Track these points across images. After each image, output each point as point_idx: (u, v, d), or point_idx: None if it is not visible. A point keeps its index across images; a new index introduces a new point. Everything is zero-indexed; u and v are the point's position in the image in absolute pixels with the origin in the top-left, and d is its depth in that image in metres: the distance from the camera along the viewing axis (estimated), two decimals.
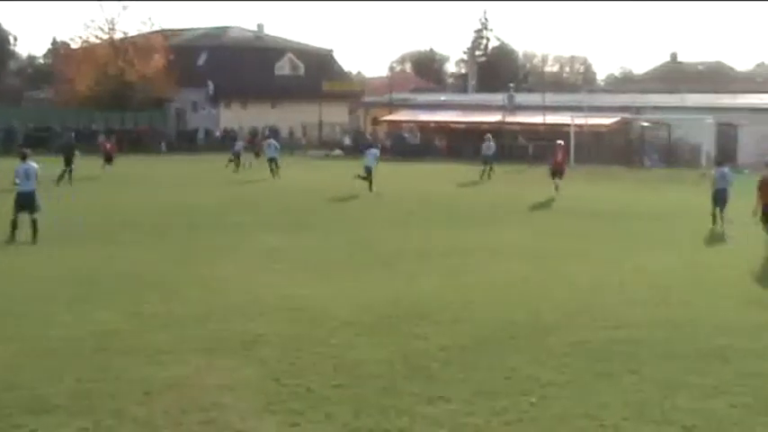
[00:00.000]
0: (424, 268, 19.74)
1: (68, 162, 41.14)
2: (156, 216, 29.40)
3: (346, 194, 36.36)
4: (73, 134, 51.92)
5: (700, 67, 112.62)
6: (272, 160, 46.23)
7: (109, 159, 47.55)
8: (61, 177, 40.26)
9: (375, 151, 40.08)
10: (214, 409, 10.35)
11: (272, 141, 49.18)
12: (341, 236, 25.02)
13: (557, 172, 38.02)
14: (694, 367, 12.08)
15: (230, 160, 51.15)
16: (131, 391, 10.96)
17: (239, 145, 53.41)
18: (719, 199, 26.95)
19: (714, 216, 26.85)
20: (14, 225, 23.09)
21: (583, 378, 11.62)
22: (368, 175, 38.17)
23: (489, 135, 48.80)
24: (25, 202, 23.34)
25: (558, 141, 40.60)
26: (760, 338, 13.66)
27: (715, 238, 25.29)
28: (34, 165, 23.81)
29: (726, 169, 28.11)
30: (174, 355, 12.49)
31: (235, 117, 78.95)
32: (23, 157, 23.88)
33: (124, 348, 12.88)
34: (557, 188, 37.05)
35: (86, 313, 15.03)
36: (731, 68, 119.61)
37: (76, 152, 42.12)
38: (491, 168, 46.39)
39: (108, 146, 49.09)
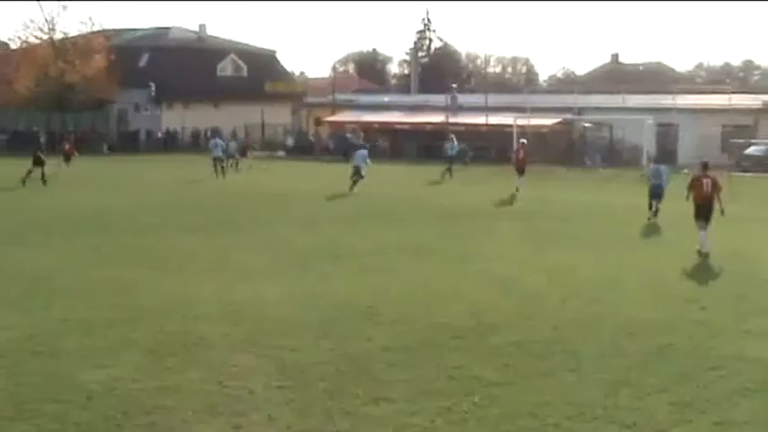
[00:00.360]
0: (343, 268, 19.80)
1: (37, 163, 41.52)
2: (70, 218, 29.13)
3: (277, 193, 36.39)
4: (42, 138, 52.34)
5: (640, 68, 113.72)
6: (217, 160, 46.42)
7: (67, 159, 48.90)
8: (31, 175, 41.04)
9: (364, 152, 40.85)
10: (156, 413, 10.29)
11: (218, 141, 49.27)
12: (256, 236, 24.97)
13: (519, 170, 39.34)
14: (635, 366, 12.20)
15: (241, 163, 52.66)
16: (74, 394, 10.86)
17: (232, 146, 54.77)
18: (655, 193, 29.02)
19: (651, 209, 28.77)
20: None
21: (525, 377, 11.69)
22: (355, 174, 39.10)
23: (453, 135, 49.74)
24: None
25: (522, 140, 42.09)
26: (698, 337, 13.83)
27: (651, 236, 25.63)
28: None
29: (661, 166, 30.69)
30: (115, 358, 12.39)
31: (177, 118, 78.56)
32: None
33: (63, 352, 12.75)
34: (517, 189, 38.09)
35: (27, 315, 14.90)
36: (671, 69, 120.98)
37: (39, 154, 42.40)
38: (449, 169, 47.17)
39: (67, 146, 50.39)
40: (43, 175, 41.15)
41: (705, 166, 22.90)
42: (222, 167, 45.88)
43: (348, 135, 68.61)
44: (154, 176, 45.16)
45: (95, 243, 23.54)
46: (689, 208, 22.70)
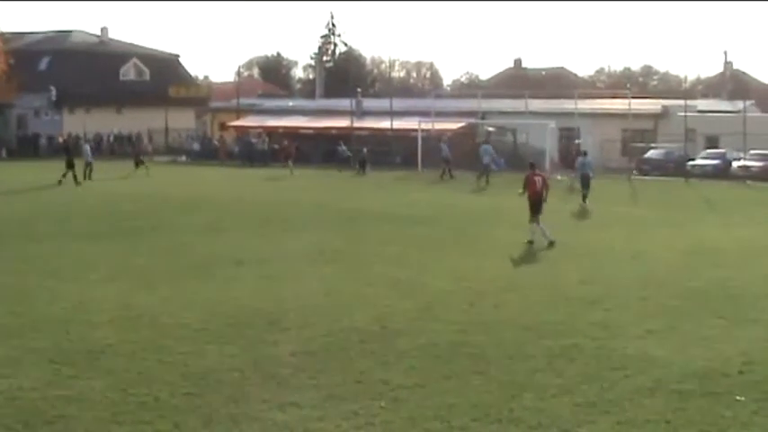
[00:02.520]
0: (246, 274, 19.69)
1: (70, 166, 44.90)
2: None
3: (180, 199, 36.05)
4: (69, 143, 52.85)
5: (543, 73, 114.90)
6: (87, 164, 48.71)
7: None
8: (70, 177, 44.53)
9: (488, 147, 47.50)
10: (59, 422, 10.10)
11: (87, 147, 51.72)
12: (157, 242, 24.70)
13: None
14: (540, 367, 12.33)
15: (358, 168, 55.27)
16: None
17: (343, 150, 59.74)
18: (584, 183, 35.29)
19: (584, 196, 34.85)
20: None
21: (431, 380, 11.73)
22: (485, 173, 45.18)
23: (446, 137, 52.74)
24: None
25: (577, 141, 51.47)
26: (602, 338, 14.01)
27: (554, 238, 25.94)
28: None
29: (588, 158, 37.25)
30: (16, 368, 12.14)
31: (79, 123, 77.19)
32: None
33: None
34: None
35: None
36: (573, 74, 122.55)
37: (66, 156, 45.81)
38: (449, 170, 49.58)
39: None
40: (75, 176, 44.60)
41: (533, 166, 25.99)
42: (90, 171, 48.23)
43: (253, 140, 68.27)
44: (51, 182, 44.28)
45: None
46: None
